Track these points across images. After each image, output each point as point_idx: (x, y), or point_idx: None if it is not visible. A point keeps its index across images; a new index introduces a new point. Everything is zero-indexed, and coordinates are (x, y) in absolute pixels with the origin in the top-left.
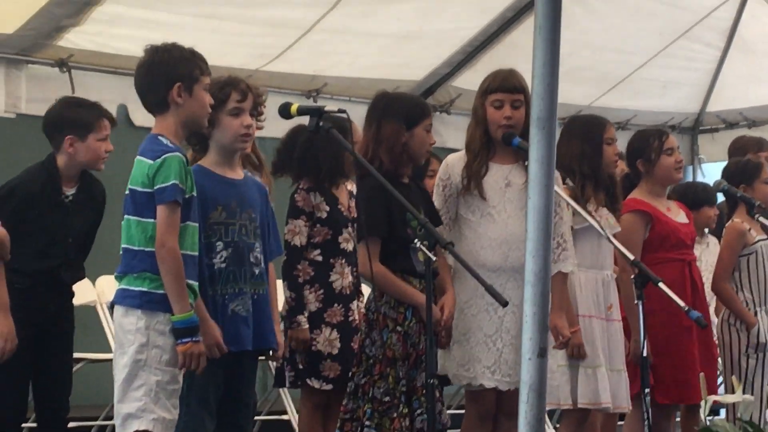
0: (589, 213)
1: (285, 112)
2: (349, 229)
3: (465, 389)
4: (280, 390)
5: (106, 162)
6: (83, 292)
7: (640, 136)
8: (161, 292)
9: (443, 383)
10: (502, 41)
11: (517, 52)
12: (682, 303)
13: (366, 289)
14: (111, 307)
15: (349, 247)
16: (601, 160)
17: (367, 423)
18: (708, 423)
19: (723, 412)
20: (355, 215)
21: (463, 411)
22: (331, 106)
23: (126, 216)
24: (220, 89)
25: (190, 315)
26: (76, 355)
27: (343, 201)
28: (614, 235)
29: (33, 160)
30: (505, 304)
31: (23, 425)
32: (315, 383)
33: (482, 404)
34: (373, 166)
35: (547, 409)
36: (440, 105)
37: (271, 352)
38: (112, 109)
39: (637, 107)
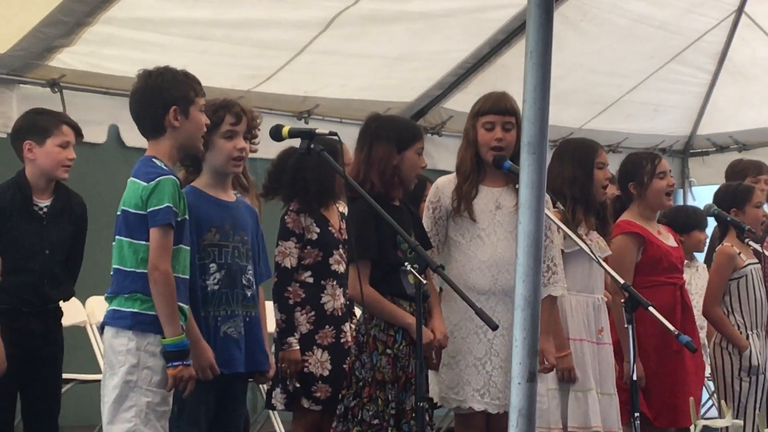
0: (580, 237)
1: (276, 134)
2: (341, 250)
3: (454, 412)
4: (270, 412)
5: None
6: (73, 313)
7: (632, 158)
8: (152, 313)
9: (432, 406)
10: (494, 63)
11: (509, 75)
12: (672, 327)
13: (358, 311)
14: (101, 328)
15: (341, 268)
16: (592, 184)
17: None
18: None
19: None
20: (346, 237)
21: None
22: (322, 127)
23: (117, 237)
24: (215, 112)
25: (181, 338)
26: (65, 375)
27: (334, 223)
28: (606, 257)
29: None
30: (495, 327)
31: None
32: (305, 403)
33: (472, 427)
34: (364, 189)
35: None
36: (432, 127)
37: (261, 374)
38: (104, 130)
39: (628, 130)
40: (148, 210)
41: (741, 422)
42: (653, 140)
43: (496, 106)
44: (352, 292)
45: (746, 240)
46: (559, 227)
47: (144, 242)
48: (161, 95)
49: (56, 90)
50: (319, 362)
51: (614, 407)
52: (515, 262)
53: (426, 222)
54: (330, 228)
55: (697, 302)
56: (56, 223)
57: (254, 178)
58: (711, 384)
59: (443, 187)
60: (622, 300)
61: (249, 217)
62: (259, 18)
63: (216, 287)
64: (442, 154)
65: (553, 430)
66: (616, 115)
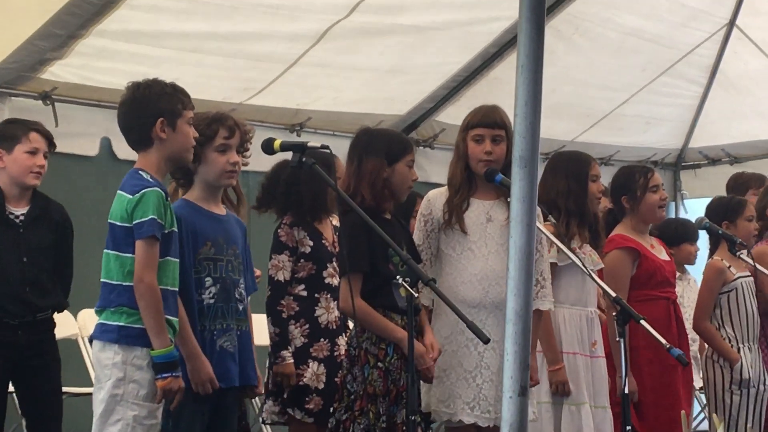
0: (573, 250)
1: (268, 147)
2: (334, 263)
3: (445, 425)
4: (262, 425)
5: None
6: (65, 326)
7: (625, 172)
8: (139, 326)
9: (428, 421)
10: (486, 76)
11: (501, 88)
12: (663, 341)
13: (352, 324)
14: (91, 342)
15: (334, 281)
16: (587, 196)
17: None
18: None
19: None
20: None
21: None
22: (314, 140)
23: (105, 250)
24: (208, 125)
25: (170, 350)
26: None
27: (327, 236)
28: (601, 271)
29: None
30: (486, 341)
31: None
32: (297, 414)
33: None
34: (355, 202)
35: None
36: (424, 140)
37: (250, 389)
38: (96, 142)
39: (620, 143)
40: (134, 222)
41: None
42: (645, 153)
43: (486, 119)
44: (343, 304)
45: (738, 253)
46: (551, 241)
47: (130, 255)
48: (148, 107)
49: (48, 102)
50: (315, 375)
51: (608, 421)
52: (506, 275)
53: (417, 235)
54: (323, 241)
55: (689, 315)
56: (34, 230)
57: (246, 190)
58: (703, 397)
59: (435, 199)
60: (614, 313)
61: (239, 230)
62: (251, 31)
63: (212, 301)
64: (434, 167)
65: None
66: (608, 128)
